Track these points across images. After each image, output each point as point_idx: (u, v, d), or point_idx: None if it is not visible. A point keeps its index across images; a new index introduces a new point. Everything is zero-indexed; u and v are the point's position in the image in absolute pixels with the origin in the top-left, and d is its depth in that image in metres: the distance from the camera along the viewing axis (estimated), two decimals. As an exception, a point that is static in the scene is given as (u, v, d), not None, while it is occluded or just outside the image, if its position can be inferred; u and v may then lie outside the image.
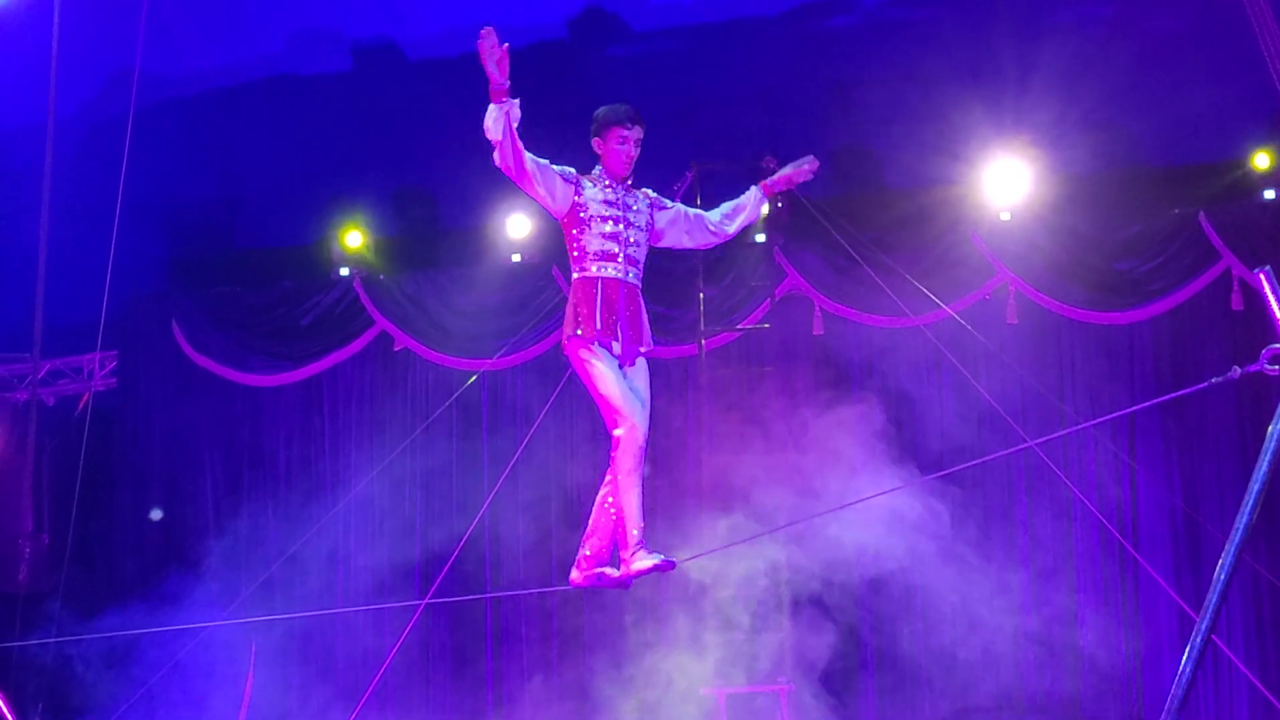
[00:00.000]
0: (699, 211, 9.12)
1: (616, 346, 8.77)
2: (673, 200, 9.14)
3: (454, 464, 17.31)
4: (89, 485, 14.73)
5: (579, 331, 8.73)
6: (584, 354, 8.76)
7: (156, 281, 18.10)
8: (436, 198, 17.68)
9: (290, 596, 16.75)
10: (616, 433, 8.74)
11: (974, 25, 16.64)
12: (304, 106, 18.29)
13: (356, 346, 17.53)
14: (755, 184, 9.12)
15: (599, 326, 8.71)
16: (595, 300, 8.73)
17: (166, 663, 15.72)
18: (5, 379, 18.14)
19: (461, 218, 17.43)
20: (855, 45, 17.30)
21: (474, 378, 17.00)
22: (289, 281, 17.84)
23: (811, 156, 9.01)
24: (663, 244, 9.12)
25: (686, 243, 9.16)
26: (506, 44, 8.28)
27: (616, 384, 8.73)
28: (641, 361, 8.93)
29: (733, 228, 9.13)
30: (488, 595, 16.81)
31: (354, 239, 17.33)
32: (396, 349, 17.49)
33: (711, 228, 9.09)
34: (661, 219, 8.98)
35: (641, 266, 8.91)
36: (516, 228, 16.89)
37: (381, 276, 17.49)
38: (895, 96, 16.63)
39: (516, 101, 8.44)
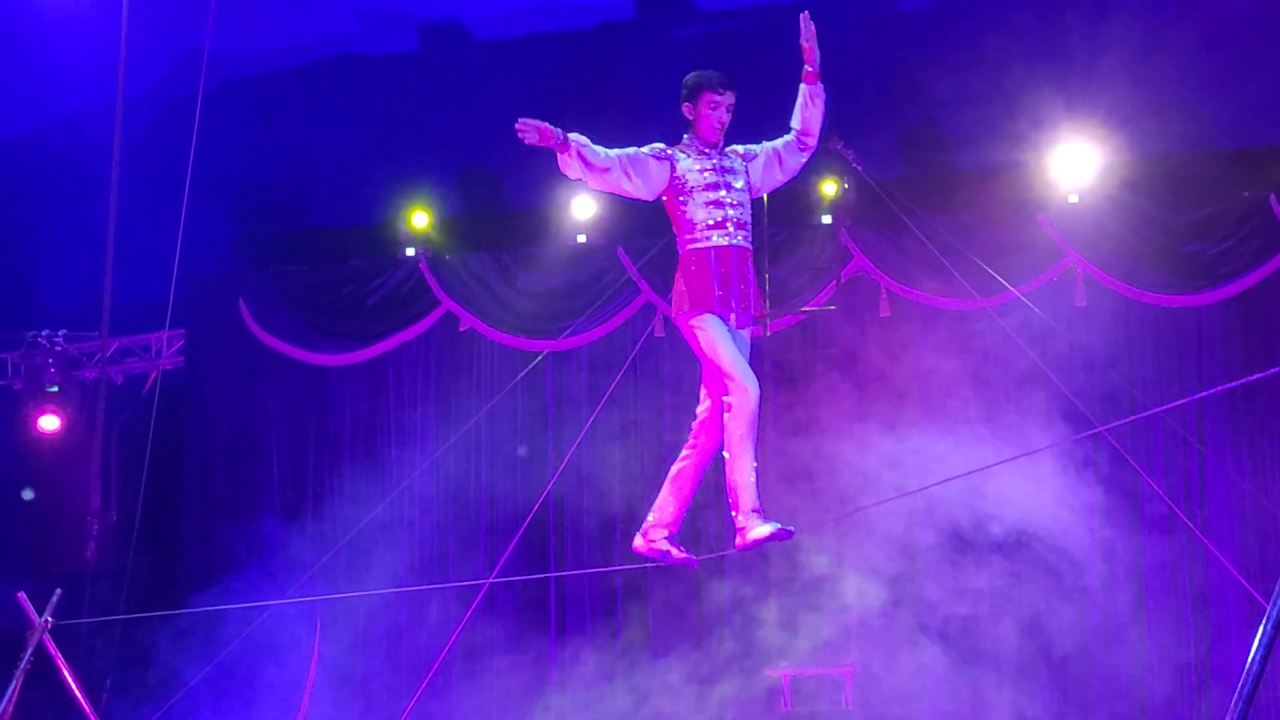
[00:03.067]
0: (783, 139, 8.97)
1: (734, 318, 8.72)
2: (758, 145, 9.03)
3: (519, 444, 17.32)
4: (156, 463, 14.80)
5: (694, 305, 8.67)
6: (694, 323, 8.70)
7: (224, 260, 18.17)
8: (501, 177, 17.68)
9: (355, 573, 16.82)
10: (727, 399, 8.66)
11: (1043, 6, 16.52)
12: (371, 86, 18.30)
13: (422, 326, 17.55)
14: (800, 83, 8.89)
15: (716, 297, 8.67)
16: (710, 271, 8.69)
17: (233, 639, 15.81)
18: (74, 357, 18.23)
19: (526, 198, 17.43)
20: (924, 27, 17.20)
21: (539, 358, 17.01)
22: (355, 261, 17.88)
23: (802, 14, 8.75)
24: (763, 193, 9.10)
25: (782, 176, 9.08)
26: (544, 124, 8.34)
27: (729, 349, 8.68)
28: (747, 332, 8.87)
29: (811, 128, 8.92)
30: (551, 575, 16.83)
31: (420, 219, 17.35)
32: (462, 329, 17.51)
33: (799, 145, 8.94)
34: (755, 171, 8.91)
35: (749, 227, 8.85)
36: (581, 208, 16.88)
37: (447, 256, 17.52)
38: (964, 79, 16.52)
39: (576, 135, 8.47)
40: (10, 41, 17.61)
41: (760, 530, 8.71)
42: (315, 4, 18.53)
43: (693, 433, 8.92)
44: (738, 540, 8.82)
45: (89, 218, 14.09)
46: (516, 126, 8.35)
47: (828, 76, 8.84)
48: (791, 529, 8.86)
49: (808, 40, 8.73)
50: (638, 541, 9.10)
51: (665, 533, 9.01)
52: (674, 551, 8.98)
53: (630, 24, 17.92)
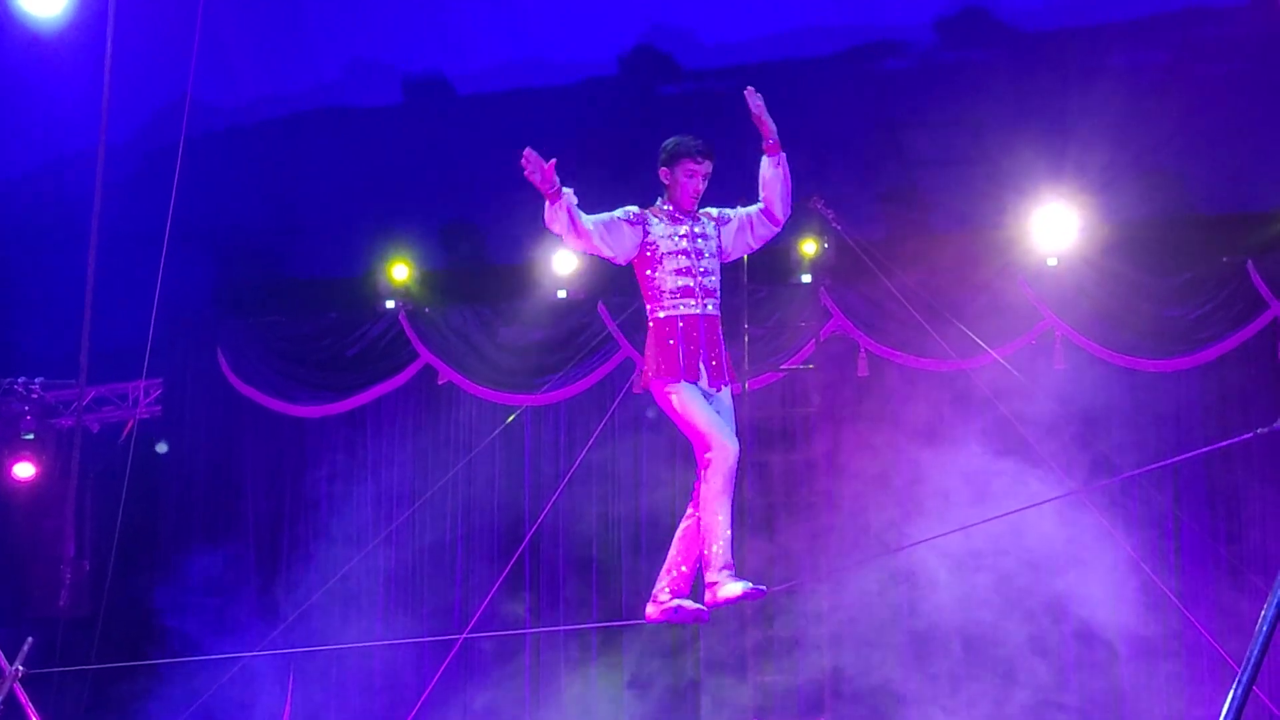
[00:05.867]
0: (756, 207, 8.90)
1: (703, 381, 8.69)
2: (733, 209, 9.00)
3: (496, 498, 17.30)
4: (131, 512, 14.75)
5: (660, 373, 8.64)
6: (667, 389, 8.66)
7: (203, 310, 18.15)
8: (483, 232, 17.71)
9: (330, 625, 16.78)
10: (707, 456, 8.60)
11: (1026, 69, 16.59)
12: (354, 138, 18.32)
13: (401, 379, 17.54)
14: (762, 155, 8.83)
15: (682, 368, 8.62)
16: (677, 341, 8.63)
17: (206, 690, 15.74)
18: (50, 405, 18.18)
19: (508, 252, 17.46)
20: (907, 87, 17.26)
21: (517, 412, 17.01)
22: (335, 313, 17.87)
23: (749, 87, 8.74)
24: (732, 258, 9.02)
25: (753, 243, 9.02)
26: (553, 160, 8.29)
27: (702, 410, 8.62)
28: (726, 391, 8.83)
29: (778, 209, 8.86)
30: (527, 631, 16.80)
31: (400, 271, 17.38)
32: (441, 382, 17.50)
33: (768, 216, 8.87)
34: (727, 236, 8.86)
35: (718, 293, 8.80)
36: (563, 263, 16.91)
37: (427, 309, 17.52)
38: (945, 139, 16.60)
39: (569, 191, 8.41)
40: (-7, 87, 17.63)
41: (732, 589, 8.64)
42: (300, 55, 18.57)
43: (695, 492, 8.86)
44: (707, 597, 8.74)
45: (68, 265, 14.07)
46: (524, 155, 8.29)
47: (809, 135, 8.85)
48: (763, 588, 8.81)
49: (758, 111, 8.67)
50: (650, 610, 9.00)
51: (675, 595, 8.92)
52: (685, 605, 8.91)
53: (613, 81, 17.97)
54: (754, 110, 8.67)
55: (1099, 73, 16.37)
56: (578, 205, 8.52)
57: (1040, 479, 15.23)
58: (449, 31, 18.41)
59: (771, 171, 8.81)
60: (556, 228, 8.51)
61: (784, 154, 8.81)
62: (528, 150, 8.30)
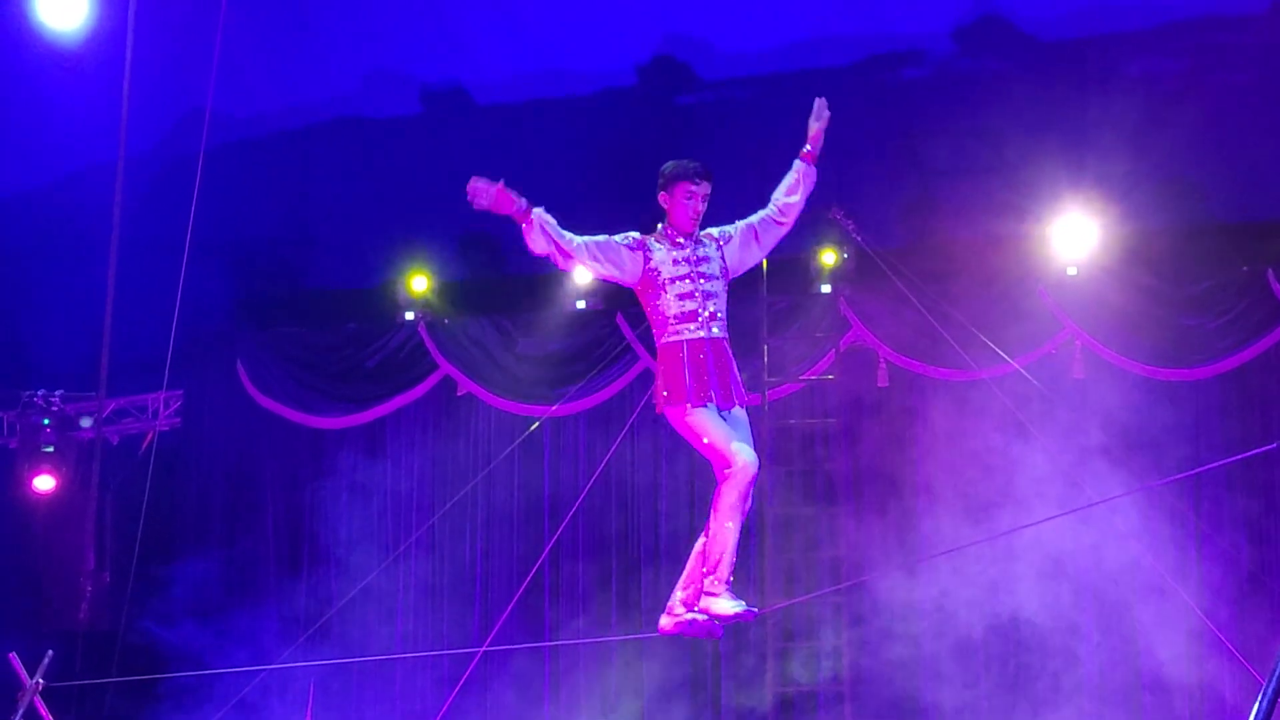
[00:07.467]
0: (760, 215, 8.89)
1: (713, 405, 8.62)
2: (732, 225, 8.97)
3: (515, 509, 17.29)
4: (151, 524, 14.75)
5: (671, 399, 8.59)
6: (680, 414, 8.62)
7: (222, 321, 18.16)
8: (502, 242, 17.70)
9: (350, 638, 16.76)
10: (727, 471, 8.54)
11: (1044, 79, 16.57)
12: (372, 149, 18.34)
13: (420, 390, 17.54)
14: (796, 159, 8.87)
15: (690, 392, 8.57)
16: (683, 366, 8.59)
17: (226, 704, 15.72)
18: (70, 417, 18.20)
19: (526, 263, 17.34)
20: (925, 97, 17.24)
21: (536, 424, 16.99)
22: (354, 324, 17.89)
23: (819, 99, 8.80)
24: (741, 272, 8.96)
25: (760, 253, 8.96)
26: (500, 181, 8.29)
27: (718, 427, 8.57)
28: (740, 412, 8.79)
29: (793, 211, 8.86)
30: (546, 644, 16.78)
31: (419, 283, 17.37)
32: (460, 393, 17.50)
33: (777, 218, 8.86)
34: (731, 253, 8.80)
35: (724, 316, 8.75)
36: (581, 274, 16.87)
37: (446, 320, 17.52)
38: (964, 149, 16.56)
39: (540, 210, 8.37)
40: (12, 100, 17.65)
41: (727, 606, 8.62)
42: (319, 66, 18.59)
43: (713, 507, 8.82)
44: (700, 604, 8.72)
45: (87, 277, 14.07)
46: (468, 188, 8.27)
47: (827, 144, 8.82)
48: (755, 610, 8.79)
49: (819, 122, 8.76)
50: (664, 621, 8.97)
51: (690, 609, 8.89)
52: (699, 619, 8.88)
53: (632, 91, 17.97)
54: (819, 122, 8.77)
55: (1117, 81, 16.35)
56: (557, 225, 8.48)
57: (1061, 489, 15.21)
58: (467, 42, 18.42)
59: (800, 177, 8.83)
60: (538, 248, 8.45)
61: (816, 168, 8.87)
62: (473, 180, 8.30)
